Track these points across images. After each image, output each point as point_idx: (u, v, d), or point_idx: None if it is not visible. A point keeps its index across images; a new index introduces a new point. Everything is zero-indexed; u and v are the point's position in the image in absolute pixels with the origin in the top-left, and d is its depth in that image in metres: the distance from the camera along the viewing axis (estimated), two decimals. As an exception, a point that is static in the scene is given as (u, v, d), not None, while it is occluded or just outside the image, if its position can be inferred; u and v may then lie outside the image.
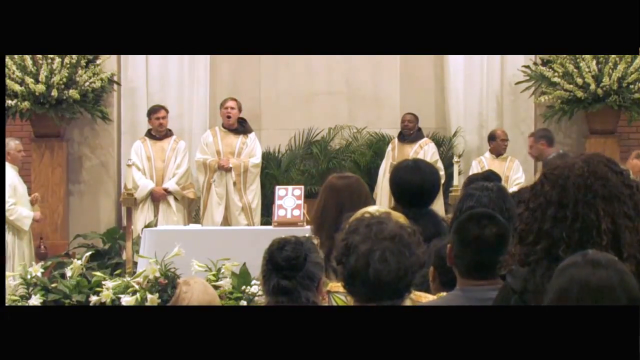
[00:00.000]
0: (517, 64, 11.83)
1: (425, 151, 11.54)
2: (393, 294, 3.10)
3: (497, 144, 11.61)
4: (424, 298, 4.06)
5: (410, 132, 11.67)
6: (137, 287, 8.74)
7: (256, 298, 8.62)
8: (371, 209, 3.82)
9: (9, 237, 10.17)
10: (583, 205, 2.95)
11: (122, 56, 12.09)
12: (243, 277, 8.85)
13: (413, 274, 3.12)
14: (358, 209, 4.97)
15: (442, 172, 11.27)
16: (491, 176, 6.42)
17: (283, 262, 3.51)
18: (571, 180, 2.99)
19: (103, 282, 8.93)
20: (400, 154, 11.32)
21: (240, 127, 11.30)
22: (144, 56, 12.08)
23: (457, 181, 10.62)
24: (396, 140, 11.73)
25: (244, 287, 8.74)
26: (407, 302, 3.35)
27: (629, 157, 11.10)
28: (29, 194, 10.70)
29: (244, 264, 9.13)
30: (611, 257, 2.64)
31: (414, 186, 5.25)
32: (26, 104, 11.28)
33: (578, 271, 2.58)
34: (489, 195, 4.74)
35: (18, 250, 10.33)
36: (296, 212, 9.88)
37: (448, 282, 4.11)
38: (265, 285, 3.55)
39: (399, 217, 3.52)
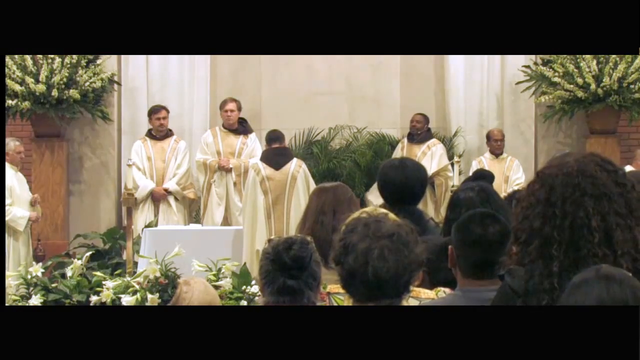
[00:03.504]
0: (517, 64, 11.84)
1: (433, 152, 11.55)
2: (392, 293, 3.09)
3: (489, 144, 11.65)
4: (423, 294, 4.06)
5: (418, 133, 11.68)
6: (137, 287, 8.73)
7: (256, 298, 8.62)
8: (369, 209, 3.83)
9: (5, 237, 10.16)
10: (571, 204, 2.95)
11: (123, 56, 12.10)
12: (243, 277, 8.85)
13: (412, 273, 3.11)
14: (341, 210, 5.14)
15: (451, 174, 11.28)
16: (480, 175, 6.43)
17: (291, 261, 3.48)
18: (559, 179, 2.99)
19: (103, 282, 8.93)
20: (408, 154, 11.33)
21: (241, 127, 11.31)
22: (144, 56, 12.09)
23: (457, 181, 10.64)
24: (405, 140, 11.76)
25: (244, 287, 8.74)
26: (408, 299, 3.35)
27: (634, 157, 11.10)
28: (31, 194, 10.70)
29: (244, 264, 9.14)
30: (625, 273, 2.63)
31: (397, 184, 5.26)
32: (26, 103, 11.29)
33: (592, 288, 2.56)
34: (473, 196, 4.78)
35: (14, 250, 10.32)
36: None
37: (439, 283, 4.12)
38: (269, 286, 3.51)
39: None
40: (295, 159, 10.01)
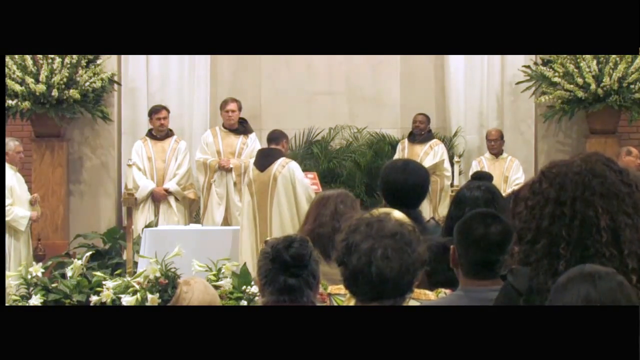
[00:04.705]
0: (517, 64, 11.84)
1: (435, 152, 11.55)
2: (395, 292, 3.09)
3: (487, 144, 11.65)
4: (423, 295, 4.06)
5: (421, 133, 11.68)
6: (137, 287, 8.74)
7: (256, 298, 8.63)
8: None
9: (5, 237, 10.16)
10: (581, 203, 2.94)
11: (123, 56, 12.10)
12: (243, 277, 8.85)
13: (415, 272, 3.11)
14: (343, 210, 5.16)
15: (448, 173, 11.29)
16: (478, 177, 6.43)
17: (291, 259, 3.47)
18: (569, 178, 2.98)
19: (103, 282, 8.93)
20: (410, 154, 11.33)
21: (241, 127, 11.30)
22: (144, 56, 12.09)
23: (458, 181, 10.64)
24: (406, 140, 11.75)
25: (244, 287, 8.74)
26: (409, 300, 3.35)
27: (620, 155, 11.05)
28: (30, 194, 10.70)
29: (244, 264, 9.14)
30: (609, 268, 2.64)
31: (397, 186, 5.24)
32: (26, 103, 11.28)
33: (579, 286, 2.57)
34: (479, 196, 4.78)
35: (14, 251, 10.31)
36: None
37: (438, 284, 4.12)
38: (269, 285, 3.50)
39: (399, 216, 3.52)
40: (280, 159, 9.65)
